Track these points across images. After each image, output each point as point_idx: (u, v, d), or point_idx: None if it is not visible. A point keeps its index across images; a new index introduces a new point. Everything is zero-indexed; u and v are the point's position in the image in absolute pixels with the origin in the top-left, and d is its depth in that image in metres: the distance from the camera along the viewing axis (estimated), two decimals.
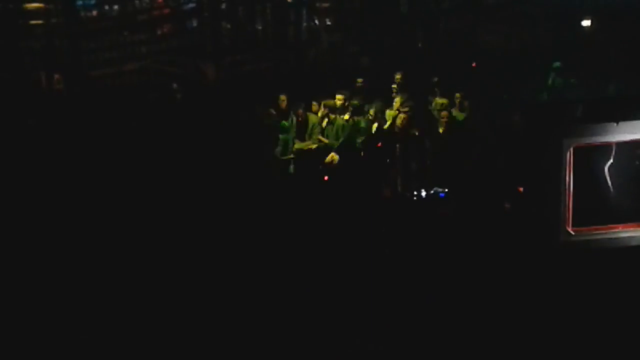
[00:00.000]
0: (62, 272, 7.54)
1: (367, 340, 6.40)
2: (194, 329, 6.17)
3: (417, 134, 10.20)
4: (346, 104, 10.92)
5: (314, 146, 10.61)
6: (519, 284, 6.48)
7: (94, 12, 15.42)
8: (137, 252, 7.92)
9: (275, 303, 7.00)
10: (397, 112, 10.50)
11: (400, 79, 12.65)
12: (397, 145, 9.75)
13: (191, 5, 15.87)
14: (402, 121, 9.94)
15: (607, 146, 6.13)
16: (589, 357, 5.80)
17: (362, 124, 10.73)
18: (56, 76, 13.03)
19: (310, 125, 10.83)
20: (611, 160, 6.19)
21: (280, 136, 10.58)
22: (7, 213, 8.64)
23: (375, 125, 10.79)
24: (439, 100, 11.06)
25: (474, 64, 11.89)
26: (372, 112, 11.02)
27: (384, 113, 11.03)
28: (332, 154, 10.25)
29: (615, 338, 5.95)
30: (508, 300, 6.57)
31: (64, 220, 8.78)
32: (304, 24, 16.29)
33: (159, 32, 15.30)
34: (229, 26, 16.07)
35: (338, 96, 10.88)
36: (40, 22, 14.11)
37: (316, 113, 11.10)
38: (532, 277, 6.39)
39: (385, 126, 10.61)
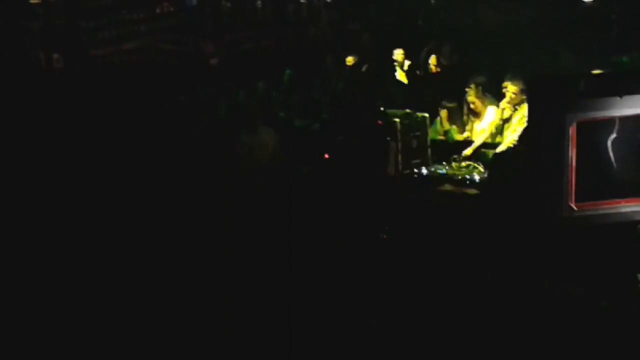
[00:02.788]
0: (51, 254, 7.53)
1: (370, 316, 6.41)
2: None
3: None
4: None
5: None
6: (522, 260, 6.47)
7: None
8: (143, 236, 7.92)
9: (275, 277, 7.04)
10: None
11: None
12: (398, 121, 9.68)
13: None
14: None
15: (610, 120, 6.09)
16: (592, 332, 5.79)
17: None
18: (55, 55, 12.99)
19: None
20: (614, 135, 6.15)
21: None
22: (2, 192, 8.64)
23: None
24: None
25: None
26: None
27: None
28: None
29: (618, 313, 5.95)
30: (511, 276, 6.56)
31: (64, 199, 8.78)
32: (304, 1, 16.17)
33: (158, 10, 15.18)
34: (228, 4, 15.97)
35: None
36: (38, 0, 14.01)
37: None
38: (534, 253, 6.39)
39: None
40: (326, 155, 9.90)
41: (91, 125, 10.43)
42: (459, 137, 9.32)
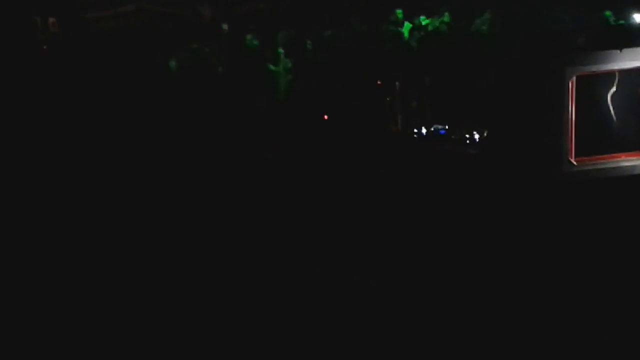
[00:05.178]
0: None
1: (369, 277, 6.41)
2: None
3: None
4: None
5: None
6: (523, 214, 6.47)
7: None
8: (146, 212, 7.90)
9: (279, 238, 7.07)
10: None
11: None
12: (397, 83, 9.65)
13: None
14: None
15: (610, 74, 6.07)
16: (593, 282, 5.81)
17: None
18: (51, 20, 12.86)
19: None
20: (614, 89, 6.13)
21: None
22: None
23: None
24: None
25: None
26: None
27: None
28: None
29: (618, 265, 5.95)
30: (512, 231, 6.56)
31: (60, 162, 8.76)
32: None
33: None
34: None
35: None
36: None
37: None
38: (535, 207, 6.38)
39: None
40: (325, 117, 9.89)
41: (87, 89, 10.36)
42: None
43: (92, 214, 7.71)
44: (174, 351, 5.46)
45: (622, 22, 8.21)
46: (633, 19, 7.48)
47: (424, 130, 8.73)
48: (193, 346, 5.52)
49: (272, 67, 10.32)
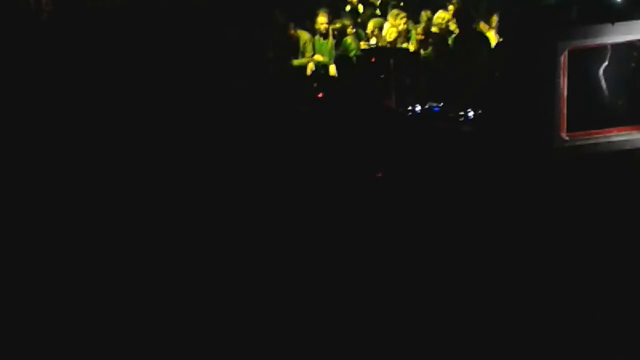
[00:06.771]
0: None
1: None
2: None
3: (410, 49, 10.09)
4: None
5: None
6: (513, 191, 6.46)
7: None
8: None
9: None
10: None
11: None
12: (392, 61, 9.60)
13: None
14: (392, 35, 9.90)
15: (602, 48, 6.02)
16: (586, 261, 5.81)
17: (349, 41, 10.66)
18: None
19: (302, 43, 10.79)
20: (606, 63, 6.09)
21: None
22: None
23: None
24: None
25: None
26: (370, 27, 10.88)
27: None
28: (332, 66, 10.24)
29: (611, 244, 5.95)
30: (503, 208, 6.55)
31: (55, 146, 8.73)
32: None
33: None
34: None
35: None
36: None
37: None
38: (525, 184, 6.37)
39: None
40: (320, 95, 9.86)
41: (82, 70, 10.29)
42: None
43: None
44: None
45: None
46: None
47: (418, 108, 8.69)
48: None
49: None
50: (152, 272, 6.45)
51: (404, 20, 10.36)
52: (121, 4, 13.01)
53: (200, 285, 6.19)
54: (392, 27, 10.29)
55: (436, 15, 10.17)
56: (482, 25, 9.66)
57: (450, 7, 10.52)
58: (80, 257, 6.72)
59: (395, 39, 10.14)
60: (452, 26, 10.21)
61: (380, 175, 8.01)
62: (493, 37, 9.54)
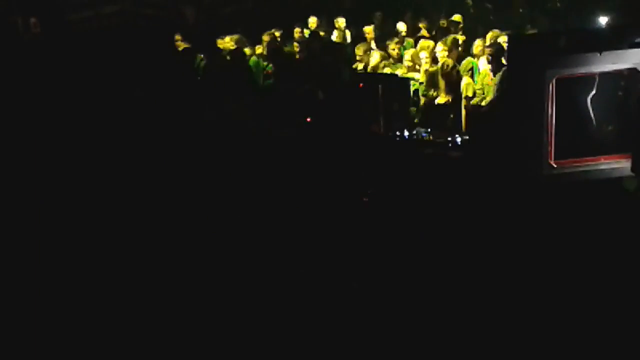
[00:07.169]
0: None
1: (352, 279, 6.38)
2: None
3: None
4: None
5: None
6: (502, 217, 6.47)
7: None
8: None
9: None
10: None
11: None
12: (380, 86, 9.63)
13: None
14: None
15: (590, 77, 6.07)
16: (573, 285, 5.81)
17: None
18: (33, 20, 12.77)
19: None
20: (594, 91, 6.14)
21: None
22: None
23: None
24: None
25: None
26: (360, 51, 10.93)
27: None
28: None
29: (598, 269, 5.95)
30: (491, 234, 6.56)
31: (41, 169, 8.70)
32: None
33: None
34: None
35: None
36: None
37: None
38: (514, 210, 6.38)
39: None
40: (309, 119, 9.86)
41: (69, 90, 10.28)
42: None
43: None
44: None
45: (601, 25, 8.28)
46: (613, 22, 7.55)
47: (406, 133, 8.71)
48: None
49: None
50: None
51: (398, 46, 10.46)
52: (108, 28, 13.12)
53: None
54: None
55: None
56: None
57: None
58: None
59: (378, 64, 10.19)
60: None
61: (366, 199, 8.00)
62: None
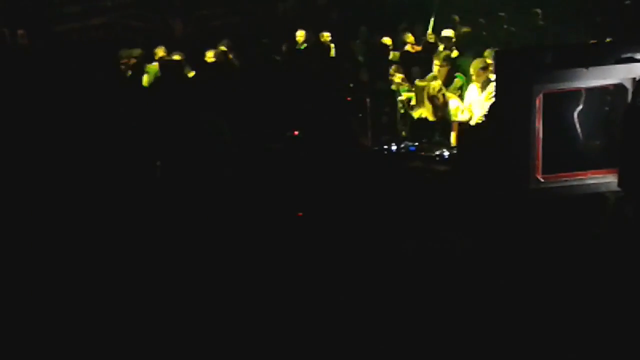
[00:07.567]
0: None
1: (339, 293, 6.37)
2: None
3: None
4: None
5: None
6: (489, 231, 6.48)
7: None
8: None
9: None
10: None
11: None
12: (368, 100, 9.66)
13: None
14: None
15: (576, 92, 6.11)
16: (561, 301, 5.82)
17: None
18: (20, 31, 12.72)
19: None
20: (581, 106, 6.18)
21: None
22: None
23: None
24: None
25: None
26: None
27: None
28: None
29: (585, 283, 5.97)
30: (478, 248, 6.57)
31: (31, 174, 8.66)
32: None
33: None
34: None
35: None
36: None
37: None
38: (501, 225, 6.40)
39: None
40: (296, 132, 9.85)
41: (55, 102, 10.23)
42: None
43: None
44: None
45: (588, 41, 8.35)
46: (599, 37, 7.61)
47: (394, 147, 8.74)
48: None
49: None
50: None
51: None
52: (95, 40, 13.11)
53: None
54: None
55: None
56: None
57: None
58: None
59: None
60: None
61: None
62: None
